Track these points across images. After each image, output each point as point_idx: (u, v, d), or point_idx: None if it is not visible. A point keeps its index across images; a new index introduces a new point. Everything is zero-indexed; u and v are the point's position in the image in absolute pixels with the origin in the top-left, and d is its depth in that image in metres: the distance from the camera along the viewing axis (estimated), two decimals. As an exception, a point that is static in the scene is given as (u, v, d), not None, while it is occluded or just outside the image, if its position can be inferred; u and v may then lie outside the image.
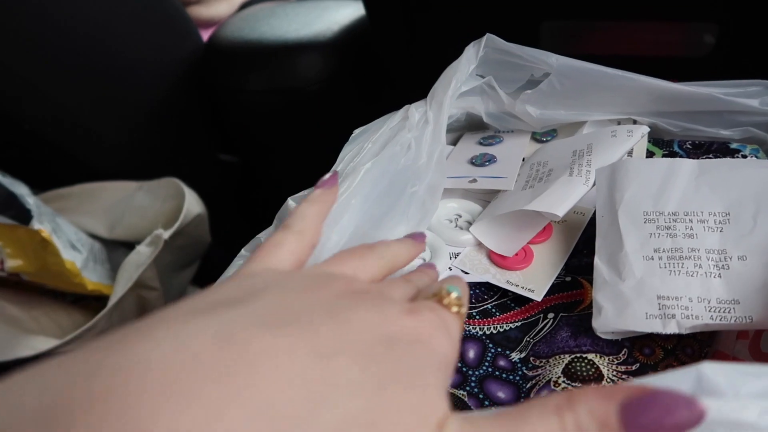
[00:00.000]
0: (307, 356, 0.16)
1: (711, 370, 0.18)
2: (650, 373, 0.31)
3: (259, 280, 0.21)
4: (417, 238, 0.29)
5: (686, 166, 0.35)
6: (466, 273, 0.38)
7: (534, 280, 0.36)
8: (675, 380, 0.18)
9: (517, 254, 0.38)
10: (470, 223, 0.40)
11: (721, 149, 0.41)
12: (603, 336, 0.32)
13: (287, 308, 0.18)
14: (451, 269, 0.38)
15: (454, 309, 0.22)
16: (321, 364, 0.16)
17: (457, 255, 0.39)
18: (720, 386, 0.18)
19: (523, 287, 0.36)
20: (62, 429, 0.13)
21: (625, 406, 0.17)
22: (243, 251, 0.34)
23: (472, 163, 0.44)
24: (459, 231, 0.40)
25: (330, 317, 0.18)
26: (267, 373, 0.15)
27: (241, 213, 0.88)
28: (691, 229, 0.33)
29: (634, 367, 0.32)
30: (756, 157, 0.39)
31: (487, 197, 0.43)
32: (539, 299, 0.36)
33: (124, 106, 0.69)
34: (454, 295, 0.22)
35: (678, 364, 0.32)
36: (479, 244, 0.39)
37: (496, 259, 0.38)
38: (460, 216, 0.41)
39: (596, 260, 0.34)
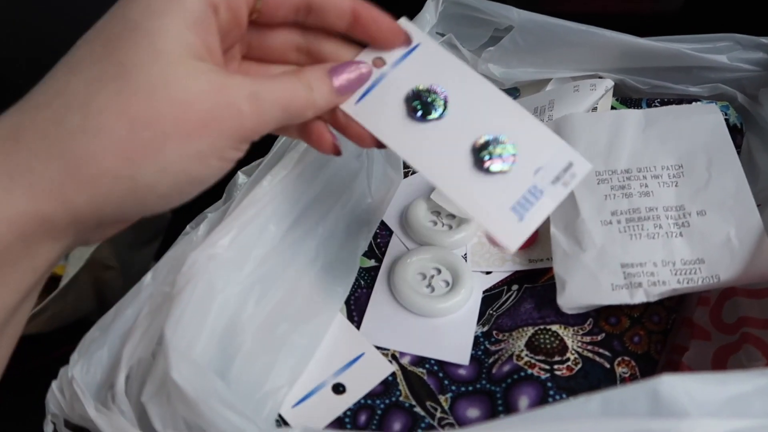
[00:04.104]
0: None
1: (668, 386, 0.17)
2: (615, 343, 0.30)
3: None
4: None
5: (632, 117, 0.34)
6: (489, 273, 0.35)
7: (548, 249, 0.33)
8: (631, 397, 0.17)
9: None
10: (454, 216, 0.37)
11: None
12: (569, 312, 0.31)
13: None
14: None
15: None
16: None
17: (464, 256, 0.36)
18: (680, 403, 0.17)
19: (547, 259, 0.33)
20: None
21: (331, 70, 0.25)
22: (188, 227, 0.33)
23: None
24: (449, 231, 0.36)
25: None
26: None
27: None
28: (646, 186, 0.32)
29: (599, 338, 0.31)
30: (726, 114, 0.38)
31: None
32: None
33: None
34: None
35: (645, 333, 0.31)
36: (478, 236, 0.36)
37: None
38: (439, 212, 0.38)
39: (552, 230, 0.32)
